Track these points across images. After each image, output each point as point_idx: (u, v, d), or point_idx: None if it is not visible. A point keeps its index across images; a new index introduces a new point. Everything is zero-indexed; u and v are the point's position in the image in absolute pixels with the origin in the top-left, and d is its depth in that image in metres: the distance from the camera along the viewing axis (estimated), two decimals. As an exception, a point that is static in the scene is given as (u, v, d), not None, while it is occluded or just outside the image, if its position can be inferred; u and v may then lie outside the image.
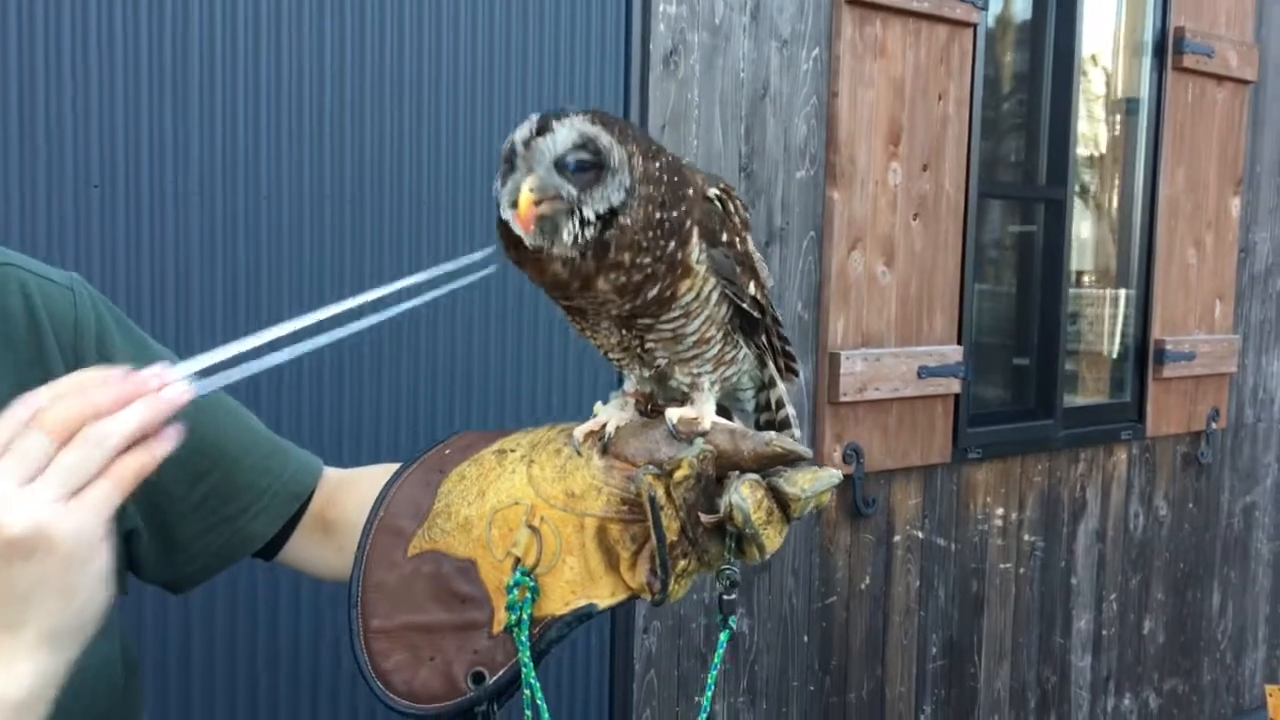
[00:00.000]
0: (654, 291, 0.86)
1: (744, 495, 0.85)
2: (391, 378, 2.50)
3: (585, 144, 0.84)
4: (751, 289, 0.94)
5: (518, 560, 0.91)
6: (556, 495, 0.91)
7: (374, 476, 1.08)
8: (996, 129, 3.92)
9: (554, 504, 0.91)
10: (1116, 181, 4.27)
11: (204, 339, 2.25)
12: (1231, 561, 4.62)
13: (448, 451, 1.01)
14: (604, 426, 0.93)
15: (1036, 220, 3.95)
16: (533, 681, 0.89)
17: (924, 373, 3.32)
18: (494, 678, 0.90)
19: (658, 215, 0.85)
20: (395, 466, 1.07)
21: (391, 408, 2.51)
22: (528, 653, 0.89)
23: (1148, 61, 4.07)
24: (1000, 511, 3.74)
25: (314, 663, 2.42)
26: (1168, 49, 4.02)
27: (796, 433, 0.99)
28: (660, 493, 0.85)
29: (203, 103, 2.22)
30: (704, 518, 0.86)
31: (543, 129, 0.85)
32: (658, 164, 0.86)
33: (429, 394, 2.56)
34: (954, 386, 3.43)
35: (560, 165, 0.84)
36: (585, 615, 0.90)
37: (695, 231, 0.88)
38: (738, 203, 0.93)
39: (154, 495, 1.01)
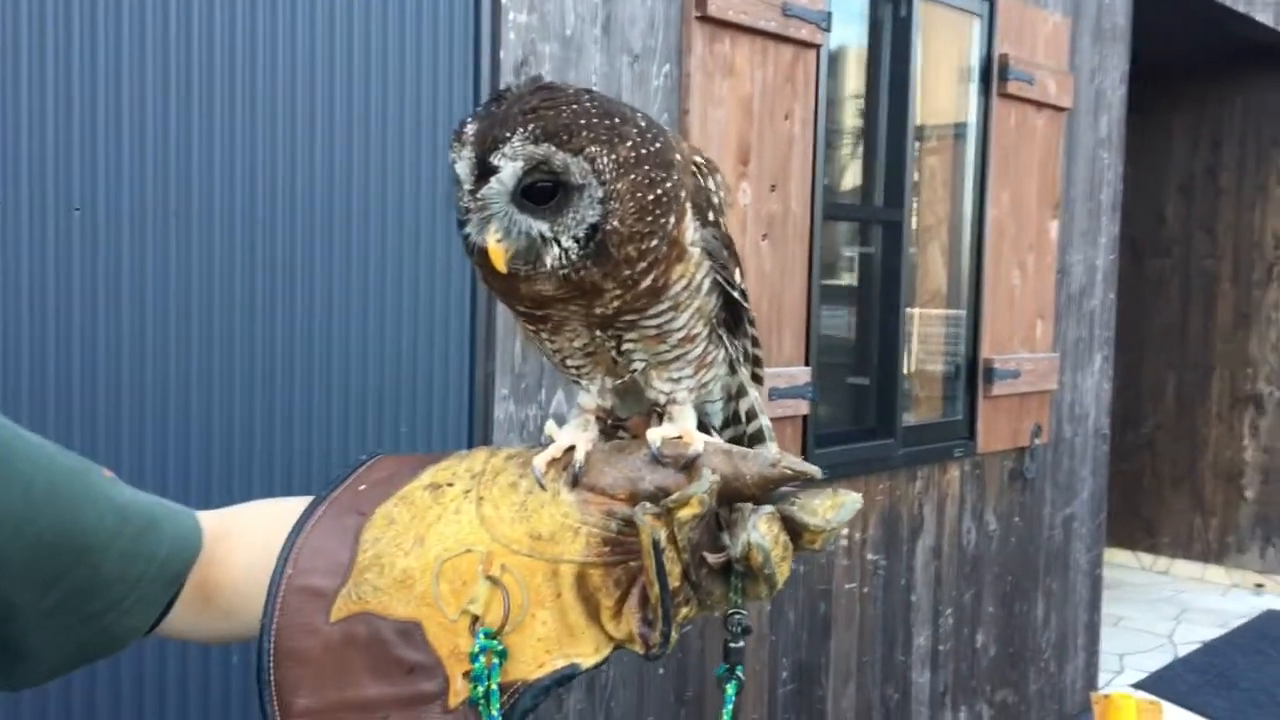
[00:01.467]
0: (649, 280, 0.75)
1: (763, 533, 0.73)
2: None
3: (537, 167, 0.73)
4: (737, 275, 0.83)
5: (475, 619, 0.76)
6: (518, 538, 0.77)
7: (261, 521, 0.91)
8: (838, 151, 3.95)
9: (516, 549, 0.77)
10: (947, 204, 4.37)
11: (6, 360, 2.00)
12: (1053, 573, 4.77)
13: (362, 487, 0.84)
14: (569, 453, 0.80)
15: (874, 242, 3.99)
16: None
17: (774, 394, 3.28)
18: None
19: (649, 197, 0.74)
20: (286, 504, 0.90)
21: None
22: None
23: (974, 87, 4.18)
24: (845, 531, 3.73)
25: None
26: (993, 75, 4.14)
27: (774, 447, 0.87)
28: (663, 534, 0.73)
29: (13, 109, 1.98)
30: (710, 558, 0.75)
31: (484, 170, 0.73)
32: (629, 144, 0.74)
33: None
34: (802, 408, 3.41)
35: (518, 201, 0.74)
36: (566, 677, 0.76)
37: (688, 206, 0.77)
38: (719, 176, 0.82)
39: None
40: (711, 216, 0.80)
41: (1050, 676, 4.80)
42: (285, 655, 0.78)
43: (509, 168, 0.73)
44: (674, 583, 0.74)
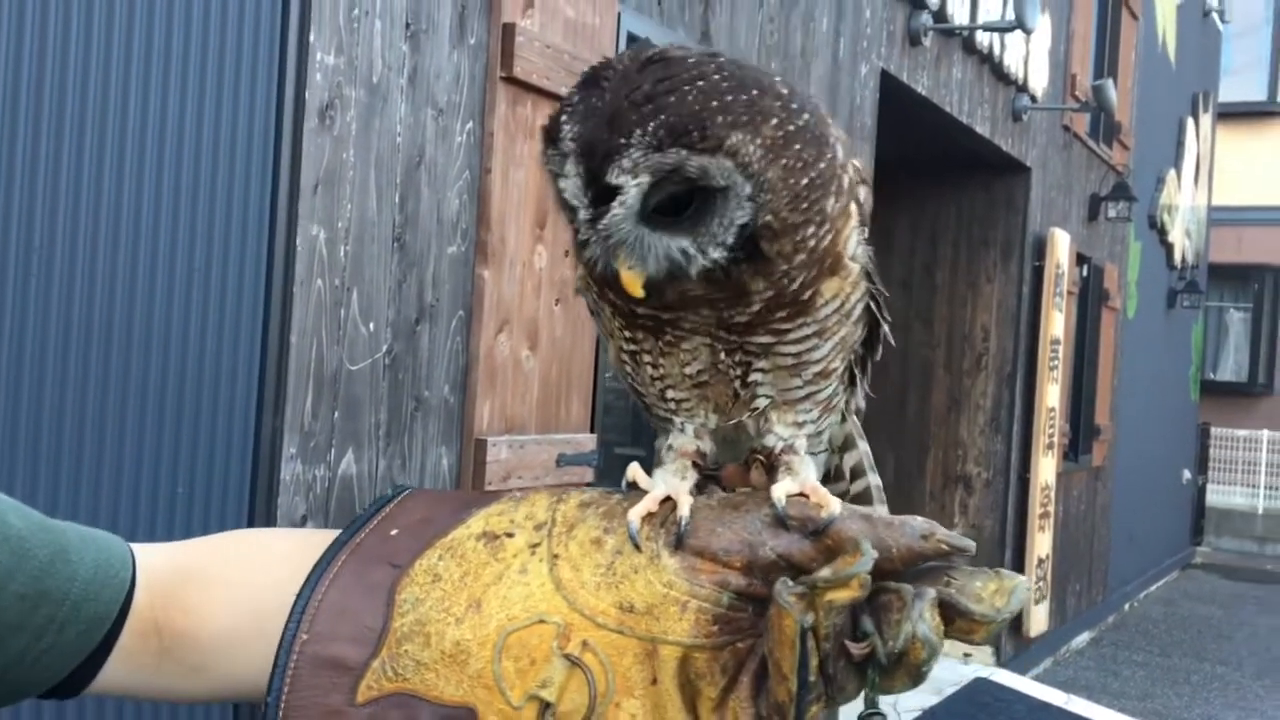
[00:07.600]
0: (803, 278, 0.63)
1: (931, 624, 0.59)
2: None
3: (667, 178, 0.60)
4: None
5: (546, 707, 0.62)
6: (605, 610, 0.63)
7: (247, 560, 0.75)
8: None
9: (602, 623, 0.63)
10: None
11: None
12: (801, 643, 4.91)
13: (394, 532, 0.68)
14: (667, 505, 0.65)
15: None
16: None
17: (562, 460, 3.24)
18: None
19: (803, 181, 0.62)
20: (280, 542, 0.75)
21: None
22: None
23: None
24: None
25: None
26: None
27: (883, 509, 0.76)
28: (809, 620, 0.59)
29: None
30: (854, 649, 0.61)
31: (600, 192, 0.60)
32: (774, 121, 0.61)
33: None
34: (588, 475, 3.38)
35: (648, 219, 0.62)
36: None
37: (853, 206, 0.65)
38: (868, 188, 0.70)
39: None
40: (866, 233, 0.68)
41: None
42: None
43: (632, 188, 0.59)
44: (811, 676, 0.60)
